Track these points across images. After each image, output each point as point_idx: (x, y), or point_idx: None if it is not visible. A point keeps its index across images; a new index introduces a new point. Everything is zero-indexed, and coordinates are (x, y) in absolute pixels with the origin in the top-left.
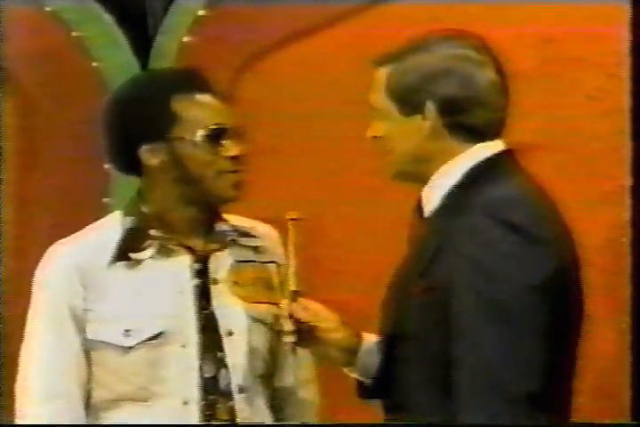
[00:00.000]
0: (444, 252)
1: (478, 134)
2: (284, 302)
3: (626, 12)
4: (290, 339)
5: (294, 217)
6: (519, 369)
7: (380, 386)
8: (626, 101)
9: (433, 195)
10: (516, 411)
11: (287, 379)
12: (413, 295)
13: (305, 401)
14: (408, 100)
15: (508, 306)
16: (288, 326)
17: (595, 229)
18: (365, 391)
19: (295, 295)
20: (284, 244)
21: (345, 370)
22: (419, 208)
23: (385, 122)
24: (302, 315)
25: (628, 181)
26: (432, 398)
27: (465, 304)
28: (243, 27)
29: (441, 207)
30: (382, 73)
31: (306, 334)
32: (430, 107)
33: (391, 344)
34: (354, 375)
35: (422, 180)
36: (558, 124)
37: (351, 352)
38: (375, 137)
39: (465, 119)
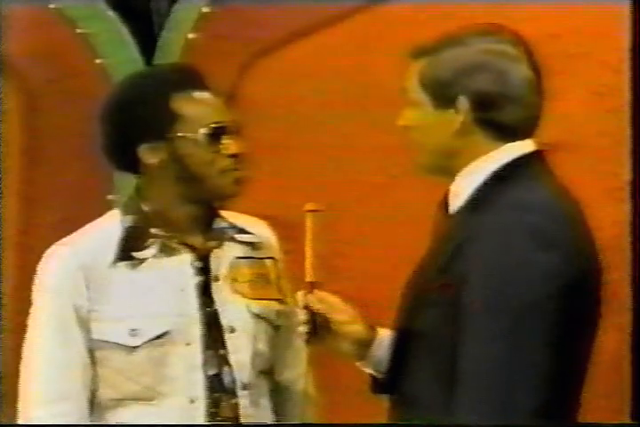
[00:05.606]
0: (464, 249)
1: (509, 132)
2: (300, 293)
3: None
4: (304, 329)
5: (312, 208)
6: (523, 382)
7: (392, 381)
8: (630, 98)
9: (460, 192)
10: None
11: (286, 373)
12: (430, 291)
13: (304, 394)
14: (441, 93)
15: (519, 315)
16: (302, 316)
17: (599, 226)
18: (378, 386)
19: (311, 286)
20: (303, 235)
21: (357, 364)
22: (444, 204)
23: (417, 112)
24: (318, 306)
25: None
26: (439, 394)
27: (476, 307)
28: (247, 24)
29: (467, 205)
30: (417, 65)
31: (320, 326)
32: (463, 101)
33: (403, 339)
34: (366, 370)
35: (448, 174)
36: (563, 120)
37: (364, 346)
38: (405, 126)
39: (497, 116)
